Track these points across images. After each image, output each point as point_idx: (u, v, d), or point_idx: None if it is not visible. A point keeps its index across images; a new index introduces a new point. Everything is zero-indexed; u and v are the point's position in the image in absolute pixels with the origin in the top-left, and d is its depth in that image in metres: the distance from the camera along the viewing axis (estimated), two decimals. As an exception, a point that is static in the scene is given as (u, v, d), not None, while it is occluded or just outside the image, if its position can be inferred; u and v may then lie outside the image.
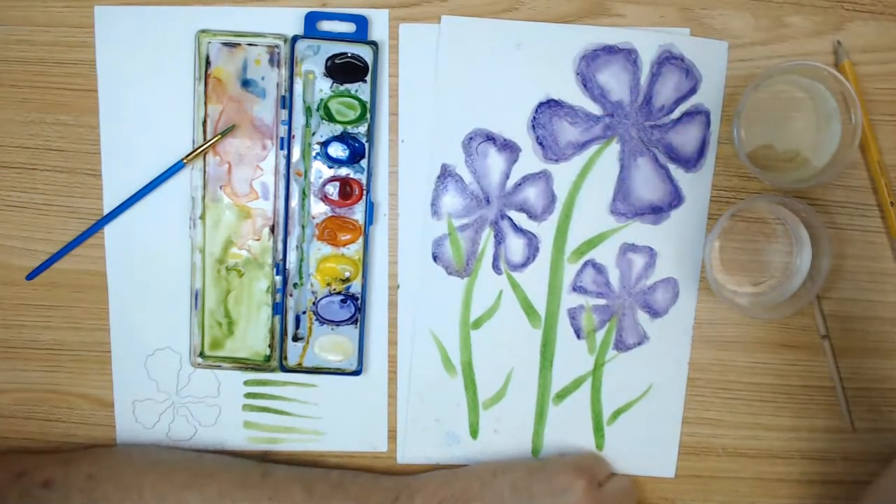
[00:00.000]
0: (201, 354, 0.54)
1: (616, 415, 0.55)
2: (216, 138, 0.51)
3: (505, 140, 0.52)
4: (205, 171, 0.52)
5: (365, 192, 0.52)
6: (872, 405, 0.54)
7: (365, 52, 0.51)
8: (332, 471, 0.53)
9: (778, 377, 0.54)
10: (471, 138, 0.52)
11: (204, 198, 0.52)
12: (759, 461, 0.55)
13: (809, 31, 0.52)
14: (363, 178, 0.52)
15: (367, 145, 0.52)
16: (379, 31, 0.52)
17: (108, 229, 0.53)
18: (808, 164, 0.52)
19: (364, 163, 0.52)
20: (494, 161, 0.53)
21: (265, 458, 0.55)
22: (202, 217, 0.52)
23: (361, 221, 0.52)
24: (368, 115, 0.51)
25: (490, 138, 0.52)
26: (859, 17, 0.52)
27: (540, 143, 0.52)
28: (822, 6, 0.52)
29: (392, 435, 0.55)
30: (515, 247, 0.53)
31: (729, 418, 0.55)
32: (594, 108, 0.52)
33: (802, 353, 0.54)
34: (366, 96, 0.51)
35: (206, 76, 0.51)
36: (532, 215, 0.53)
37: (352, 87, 0.51)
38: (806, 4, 0.52)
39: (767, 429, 0.55)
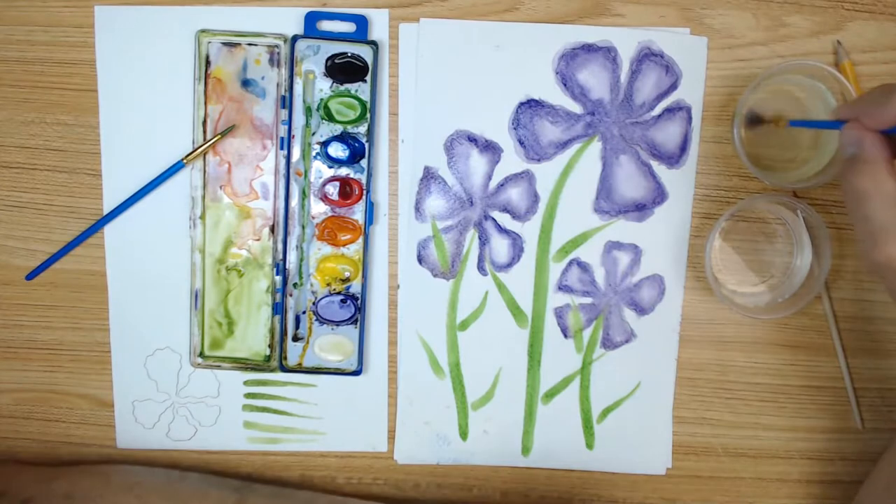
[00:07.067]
0: (201, 354, 0.54)
1: (605, 413, 0.55)
2: (216, 138, 0.51)
3: (486, 141, 0.52)
4: (205, 171, 0.52)
5: (365, 192, 0.52)
6: (872, 405, 0.54)
7: (365, 52, 0.51)
8: (315, 499, 0.53)
9: (778, 377, 0.54)
10: (452, 140, 0.52)
11: (204, 198, 0.52)
12: (759, 461, 0.55)
13: (809, 31, 0.52)
14: (363, 178, 0.52)
15: (367, 145, 0.52)
16: (379, 31, 0.52)
17: (108, 229, 0.53)
18: (808, 164, 0.52)
19: (364, 163, 0.52)
20: (476, 162, 0.53)
21: (250, 478, 0.55)
22: (202, 217, 0.52)
23: (361, 221, 0.52)
24: (368, 115, 0.51)
25: (472, 139, 0.52)
26: (859, 17, 0.52)
27: (521, 143, 0.52)
28: (822, 6, 0.52)
29: (392, 435, 0.55)
30: (500, 247, 0.53)
31: (729, 418, 0.55)
32: (575, 107, 0.52)
33: (802, 352, 0.54)
34: (366, 96, 0.51)
35: (206, 76, 0.51)
36: (516, 215, 0.53)
37: (352, 87, 0.51)
38: (806, 4, 0.52)
39: (767, 429, 0.55)
